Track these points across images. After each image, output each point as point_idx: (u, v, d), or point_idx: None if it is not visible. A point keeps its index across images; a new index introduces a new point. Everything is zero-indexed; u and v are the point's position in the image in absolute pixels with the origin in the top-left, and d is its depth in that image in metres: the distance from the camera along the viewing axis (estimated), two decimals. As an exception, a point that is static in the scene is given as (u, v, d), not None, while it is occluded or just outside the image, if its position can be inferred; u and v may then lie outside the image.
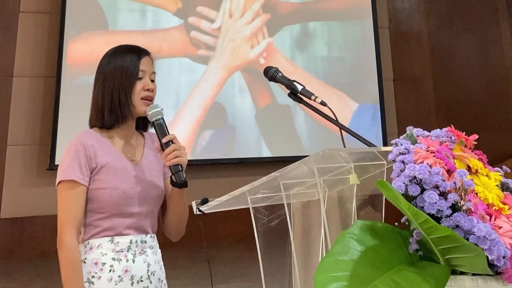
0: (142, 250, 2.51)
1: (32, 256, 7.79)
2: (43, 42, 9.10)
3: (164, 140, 2.48)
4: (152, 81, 2.60)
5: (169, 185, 2.59)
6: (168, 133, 2.51)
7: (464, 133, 1.75)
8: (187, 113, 9.46)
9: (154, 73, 2.63)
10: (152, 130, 2.65)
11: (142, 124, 2.69)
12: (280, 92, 9.51)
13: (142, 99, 2.54)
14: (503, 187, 1.65)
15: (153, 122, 2.53)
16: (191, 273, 5.95)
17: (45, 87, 8.97)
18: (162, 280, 2.59)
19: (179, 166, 2.47)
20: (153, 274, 2.53)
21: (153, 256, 2.55)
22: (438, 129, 1.76)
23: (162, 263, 2.62)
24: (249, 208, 2.16)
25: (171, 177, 2.52)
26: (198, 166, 8.78)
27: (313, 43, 10.66)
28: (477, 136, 1.75)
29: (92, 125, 2.60)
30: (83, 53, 9.05)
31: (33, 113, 8.85)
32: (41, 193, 8.39)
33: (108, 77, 2.54)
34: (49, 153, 8.55)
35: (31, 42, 9.03)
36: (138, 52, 2.61)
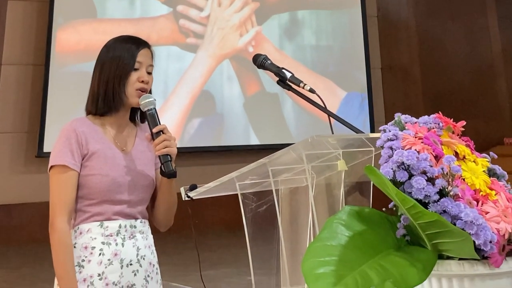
0: (132, 235, 2.53)
1: (20, 243, 7.77)
2: (31, 30, 9.04)
3: (154, 130, 2.50)
4: (149, 73, 2.62)
5: (159, 175, 2.60)
6: (160, 123, 2.52)
7: (452, 119, 1.76)
8: (176, 101, 9.45)
9: (151, 66, 2.64)
10: None
11: (139, 115, 2.69)
12: (268, 80, 9.50)
13: (136, 90, 2.54)
14: (490, 173, 1.66)
15: (145, 111, 2.54)
16: (180, 259, 5.97)
17: (33, 75, 8.93)
18: (154, 265, 2.61)
19: (168, 156, 2.48)
20: (143, 258, 2.54)
21: (143, 240, 2.57)
22: (426, 116, 1.76)
23: (154, 248, 2.64)
24: (237, 194, 2.17)
25: (160, 167, 2.53)
26: (186, 153, 8.77)
27: (301, 31, 10.65)
28: (464, 123, 1.76)
29: (87, 111, 2.61)
30: (72, 41, 9.00)
31: (22, 101, 8.81)
32: (29, 180, 8.37)
33: (105, 66, 2.56)
34: (37, 141, 8.52)
35: (19, 30, 8.97)
36: (137, 43, 2.62)
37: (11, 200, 8.38)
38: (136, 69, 2.56)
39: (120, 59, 2.55)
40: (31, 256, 7.01)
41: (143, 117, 2.67)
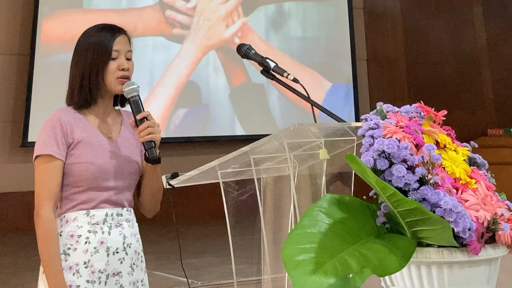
0: (118, 223, 2.53)
1: (4, 232, 7.74)
2: (16, 19, 8.97)
3: (138, 117, 2.50)
4: (129, 59, 2.59)
5: (144, 161, 2.60)
6: (143, 110, 2.52)
7: (433, 109, 1.77)
8: (161, 91, 9.42)
9: (130, 51, 2.61)
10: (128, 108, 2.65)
11: (120, 101, 2.67)
12: (254, 71, 9.48)
13: (118, 78, 2.53)
14: (471, 161, 1.67)
15: (128, 98, 2.54)
16: (163, 248, 5.97)
17: (18, 64, 8.87)
18: (139, 253, 2.61)
19: (152, 142, 2.49)
20: (129, 246, 2.55)
21: (130, 229, 2.57)
22: (408, 105, 1.77)
23: (139, 236, 2.64)
24: (220, 184, 2.17)
25: (145, 153, 2.53)
26: (171, 144, 8.76)
27: (288, 23, 10.64)
28: (446, 112, 1.77)
29: (67, 104, 2.60)
30: (57, 31, 8.94)
31: (6, 90, 8.75)
32: (13, 170, 8.33)
33: (81, 57, 2.55)
34: (22, 130, 8.47)
35: (4, 19, 8.90)
36: (112, 31, 2.59)
37: (-4, 189, 8.35)
38: (114, 58, 2.53)
39: (95, 50, 2.52)
40: (15, 245, 6.99)
41: (123, 102, 2.67)
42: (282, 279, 2.24)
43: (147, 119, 2.50)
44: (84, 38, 2.58)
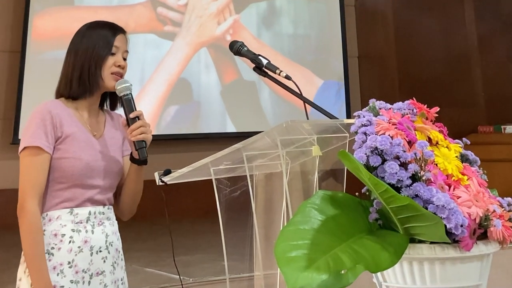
0: (101, 221, 2.50)
1: (-8, 229, 7.71)
2: (8, 16, 8.92)
3: (131, 116, 2.47)
4: (124, 59, 2.59)
5: (128, 162, 2.58)
6: (136, 109, 2.50)
7: (425, 105, 1.77)
8: (152, 88, 9.39)
9: (127, 51, 2.62)
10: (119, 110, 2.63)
11: (111, 101, 2.66)
12: (246, 68, 9.47)
13: (112, 74, 2.52)
14: (463, 158, 1.68)
15: (121, 97, 2.52)
16: (154, 245, 5.95)
17: (9, 61, 8.82)
18: (119, 251, 2.59)
19: (144, 142, 2.46)
20: (111, 245, 2.52)
21: (111, 227, 2.54)
22: (400, 102, 1.77)
23: (119, 234, 2.61)
24: (212, 181, 2.17)
25: (131, 153, 2.51)
26: (163, 141, 8.73)
27: (279, 20, 10.62)
28: (438, 109, 1.77)
29: (59, 95, 2.56)
30: (49, 29, 8.89)
31: (-3, 87, 8.72)
32: (4, 167, 8.28)
33: (81, 50, 2.53)
34: (13, 128, 8.43)
35: (-5, 17, 8.87)
36: (114, 29, 2.60)
37: (-15, 187, 8.30)
38: (113, 54, 2.53)
39: (97, 43, 2.52)
40: (4, 242, 6.95)
41: (113, 104, 2.65)
42: (274, 275, 2.24)
43: (139, 119, 2.47)
44: (84, 33, 2.57)
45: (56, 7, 9.04)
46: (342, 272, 1.33)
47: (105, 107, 2.68)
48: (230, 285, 2.25)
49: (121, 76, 2.55)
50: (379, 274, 1.53)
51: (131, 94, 2.52)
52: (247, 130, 9.00)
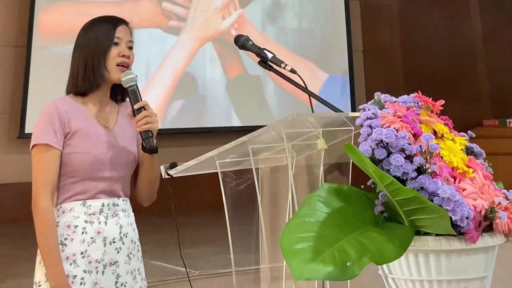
0: (115, 213, 2.54)
1: (1, 223, 7.74)
2: (13, 12, 8.94)
3: (136, 106, 2.51)
4: (130, 48, 2.62)
5: (141, 151, 2.61)
6: (141, 100, 2.52)
7: (430, 99, 1.77)
8: (158, 83, 9.40)
9: (131, 41, 2.64)
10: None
11: (120, 93, 2.68)
12: (250, 62, 9.47)
13: (117, 65, 2.53)
14: (468, 151, 1.68)
15: (126, 88, 2.54)
16: (161, 238, 5.97)
17: (15, 56, 8.85)
18: (135, 242, 2.63)
19: (150, 132, 2.50)
20: (126, 236, 2.56)
21: (126, 218, 2.58)
22: (406, 95, 1.77)
23: (135, 225, 2.65)
24: (218, 175, 2.18)
25: (142, 143, 2.53)
26: (168, 135, 8.75)
27: (284, 15, 10.62)
28: (443, 102, 1.77)
29: (68, 92, 2.60)
30: (54, 23, 8.91)
31: (3, 82, 8.73)
32: (11, 161, 8.32)
33: (84, 45, 2.56)
34: (19, 122, 8.45)
35: (1, 12, 8.87)
36: (114, 21, 2.62)
37: (-7, 181, 8.34)
38: (116, 44, 2.55)
39: (98, 36, 2.54)
40: (11, 236, 6.99)
41: (123, 95, 2.68)
42: (280, 268, 2.25)
43: (144, 109, 2.50)
44: (87, 29, 2.61)
45: (61, 2, 9.05)
46: (348, 264, 1.34)
47: (118, 98, 2.70)
48: (236, 277, 2.26)
49: (128, 66, 2.57)
50: (384, 266, 1.53)
51: (136, 85, 2.55)
52: (252, 124, 9.00)
